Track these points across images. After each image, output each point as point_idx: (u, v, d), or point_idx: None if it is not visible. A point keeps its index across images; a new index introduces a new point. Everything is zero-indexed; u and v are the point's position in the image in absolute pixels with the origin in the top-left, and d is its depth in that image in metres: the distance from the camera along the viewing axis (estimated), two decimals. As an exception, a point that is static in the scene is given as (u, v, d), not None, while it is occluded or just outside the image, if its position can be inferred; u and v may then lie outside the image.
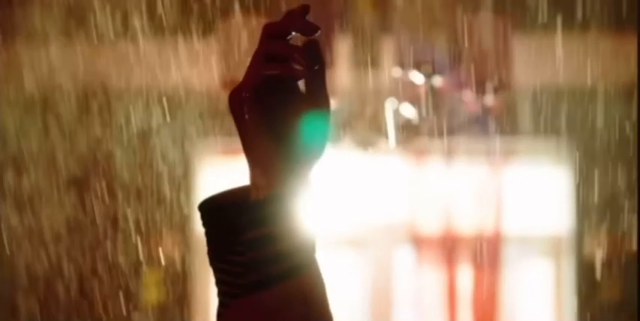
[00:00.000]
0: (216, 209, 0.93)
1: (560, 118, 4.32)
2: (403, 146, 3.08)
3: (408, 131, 3.10)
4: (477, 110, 3.12)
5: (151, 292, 4.56)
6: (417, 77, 3.07)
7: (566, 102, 4.29)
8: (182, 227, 4.55)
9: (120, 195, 4.45)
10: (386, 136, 3.06)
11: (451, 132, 3.17)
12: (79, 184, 4.47)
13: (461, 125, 3.14)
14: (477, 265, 4.54)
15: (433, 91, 3.08)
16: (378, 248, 4.72)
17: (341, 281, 4.65)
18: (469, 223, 4.55)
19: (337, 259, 4.67)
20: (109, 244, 4.47)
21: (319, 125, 0.93)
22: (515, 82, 3.43)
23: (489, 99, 3.01)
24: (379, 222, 4.69)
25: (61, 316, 4.44)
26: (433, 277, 4.61)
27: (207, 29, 3.92)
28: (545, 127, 4.38)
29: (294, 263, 0.93)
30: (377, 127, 3.04)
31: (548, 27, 4.05)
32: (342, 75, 3.50)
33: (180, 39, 4.17)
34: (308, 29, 0.89)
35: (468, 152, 4.54)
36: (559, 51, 3.96)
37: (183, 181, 4.54)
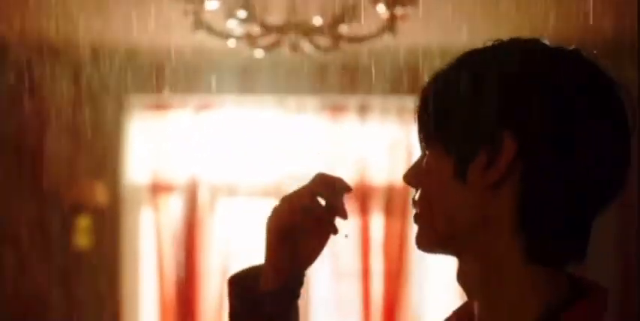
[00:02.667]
0: (235, 288, 1.27)
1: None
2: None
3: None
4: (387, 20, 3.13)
5: (82, 239, 4.65)
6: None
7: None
8: (112, 176, 4.68)
9: (52, 146, 4.53)
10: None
11: (362, 39, 3.16)
12: (7, 136, 4.56)
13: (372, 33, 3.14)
14: (388, 214, 4.73)
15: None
16: None
17: (260, 230, 4.82)
18: (381, 175, 4.72)
19: (256, 208, 4.74)
20: (39, 190, 4.55)
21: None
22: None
23: (399, 10, 3.07)
24: (297, 174, 4.75)
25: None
26: (348, 225, 4.78)
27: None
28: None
29: None
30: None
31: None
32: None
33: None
34: (342, 212, 1.27)
35: (381, 109, 4.73)
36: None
37: (114, 133, 4.66)
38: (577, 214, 1.11)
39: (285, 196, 1.24)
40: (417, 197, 1.18)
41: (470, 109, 1.12)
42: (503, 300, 1.13)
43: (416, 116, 1.19)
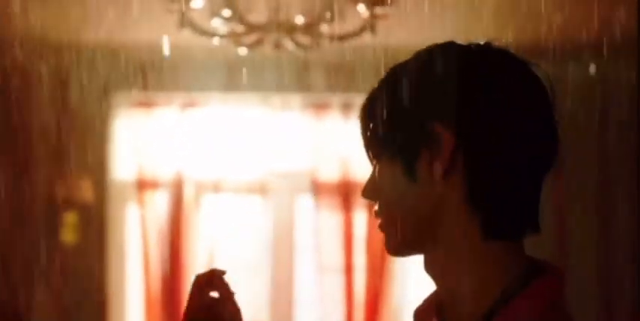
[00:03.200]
0: None
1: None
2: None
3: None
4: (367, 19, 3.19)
5: (68, 234, 4.69)
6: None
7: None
8: (98, 173, 4.72)
9: (39, 143, 4.57)
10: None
11: (343, 38, 3.22)
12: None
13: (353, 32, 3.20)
14: (371, 210, 4.78)
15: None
16: (281, 195, 4.89)
17: (245, 226, 4.84)
18: (364, 171, 4.77)
19: (242, 205, 4.84)
20: (26, 187, 4.59)
21: None
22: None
23: (379, 10, 3.14)
24: (282, 171, 4.87)
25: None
26: (332, 220, 4.82)
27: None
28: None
29: None
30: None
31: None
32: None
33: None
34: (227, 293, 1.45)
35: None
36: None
37: (100, 130, 4.70)
38: (520, 187, 1.21)
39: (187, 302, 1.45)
40: (377, 209, 1.28)
41: (401, 114, 1.23)
42: (466, 281, 1.21)
43: (361, 138, 1.30)
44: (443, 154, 1.18)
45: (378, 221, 1.28)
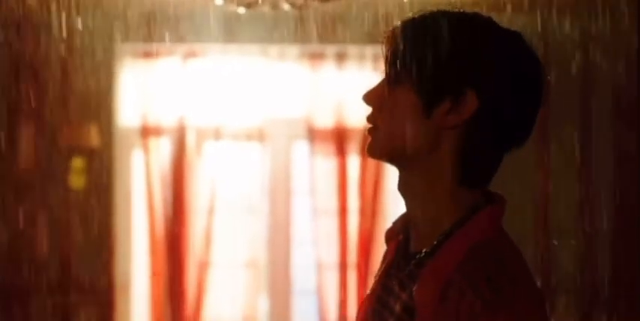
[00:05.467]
0: None
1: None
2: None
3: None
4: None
5: (77, 179, 4.77)
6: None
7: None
8: (105, 120, 4.83)
9: (48, 92, 4.67)
10: None
11: None
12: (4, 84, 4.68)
13: None
14: (364, 155, 4.64)
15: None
16: (278, 141, 4.98)
17: (244, 171, 4.93)
18: (358, 118, 4.80)
19: (241, 150, 4.93)
20: (33, 132, 4.71)
21: None
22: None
23: None
24: (279, 118, 4.96)
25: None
26: (326, 165, 4.90)
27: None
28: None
29: None
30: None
31: None
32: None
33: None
34: None
35: (357, 57, 4.88)
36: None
37: (106, 80, 4.78)
38: (499, 151, 1.48)
39: None
40: (371, 114, 1.49)
41: (443, 62, 1.45)
42: (434, 207, 1.47)
43: (388, 50, 1.48)
44: (463, 112, 1.42)
45: (369, 125, 1.49)
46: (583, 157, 4.71)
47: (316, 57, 4.92)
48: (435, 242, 1.44)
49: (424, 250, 1.45)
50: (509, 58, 1.46)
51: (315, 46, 4.89)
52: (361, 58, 4.89)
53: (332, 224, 4.90)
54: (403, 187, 1.51)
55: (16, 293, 4.65)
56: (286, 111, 4.97)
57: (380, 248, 4.89)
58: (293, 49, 4.93)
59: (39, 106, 4.68)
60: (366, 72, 4.87)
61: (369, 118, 1.51)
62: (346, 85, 4.88)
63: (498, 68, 1.44)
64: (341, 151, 4.92)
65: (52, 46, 4.60)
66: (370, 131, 1.50)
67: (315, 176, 4.94)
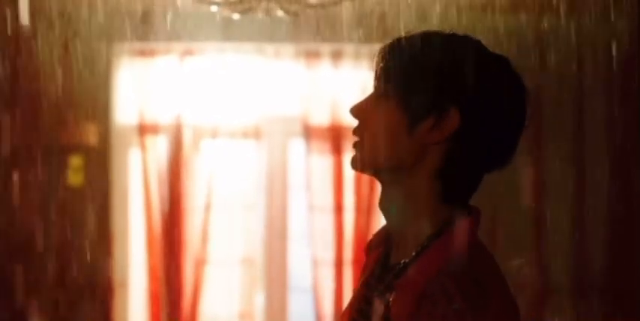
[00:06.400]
0: None
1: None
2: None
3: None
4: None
5: (74, 176, 4.77)
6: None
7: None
8: (102, 118, 4.84)
9: (45, 90, 4.66)
10: None
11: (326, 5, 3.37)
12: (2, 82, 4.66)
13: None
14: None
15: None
16: (274, 139, 4.98)
17: (240, 168, 4.93)
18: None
19: (237, 148, 4.93)
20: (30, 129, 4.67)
21: None
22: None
23: None
24: (275, 116, 4.96)
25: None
26: (322, 163, 4.90)
27: None
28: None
29: None
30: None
31: None
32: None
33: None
34: None
35: (353, 56, 4.90)
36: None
37: (104, 78, 4.80)
38: (479, 170, 1.51)
39: None
40: (357, 128, 1.53)
41: (429, 80, 1.49)
42: (414, 221, 1.51)
43: (378, 66, 1.53)
44: (446, 128, 1.45)
45: (355, 139, 1.52)
46: (580, 156, 4.70)
47: (312, 55, 4.93)
48: (414, 254, 1.47)
49: (402, 261, 1.49)
50: (494, 80, 1.49)
51: (310, 45, 4.90)
52: (357, 56, 4.90)
53: (328, 221, 4.91)
54: (384, 204, 1.55)
55: (14, 291, 4.65)
56: (282, 109, 4.97)
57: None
58: (289, 48, 4.93)
59: (36, 104, 4.67)
60: (361, 70, 4.87)
61: (355, 131, 1.54)
62: (342, 83, 4.89)
63: (483, 89, 1.48)
64: (337, 149, 4.93)
65: (50, 46, 4.60)
66: (355, 145, 1.53)
67: (311, 174, 4.94)
